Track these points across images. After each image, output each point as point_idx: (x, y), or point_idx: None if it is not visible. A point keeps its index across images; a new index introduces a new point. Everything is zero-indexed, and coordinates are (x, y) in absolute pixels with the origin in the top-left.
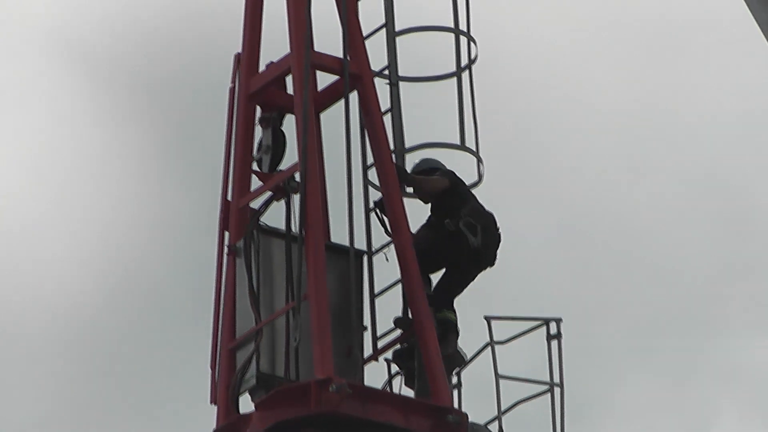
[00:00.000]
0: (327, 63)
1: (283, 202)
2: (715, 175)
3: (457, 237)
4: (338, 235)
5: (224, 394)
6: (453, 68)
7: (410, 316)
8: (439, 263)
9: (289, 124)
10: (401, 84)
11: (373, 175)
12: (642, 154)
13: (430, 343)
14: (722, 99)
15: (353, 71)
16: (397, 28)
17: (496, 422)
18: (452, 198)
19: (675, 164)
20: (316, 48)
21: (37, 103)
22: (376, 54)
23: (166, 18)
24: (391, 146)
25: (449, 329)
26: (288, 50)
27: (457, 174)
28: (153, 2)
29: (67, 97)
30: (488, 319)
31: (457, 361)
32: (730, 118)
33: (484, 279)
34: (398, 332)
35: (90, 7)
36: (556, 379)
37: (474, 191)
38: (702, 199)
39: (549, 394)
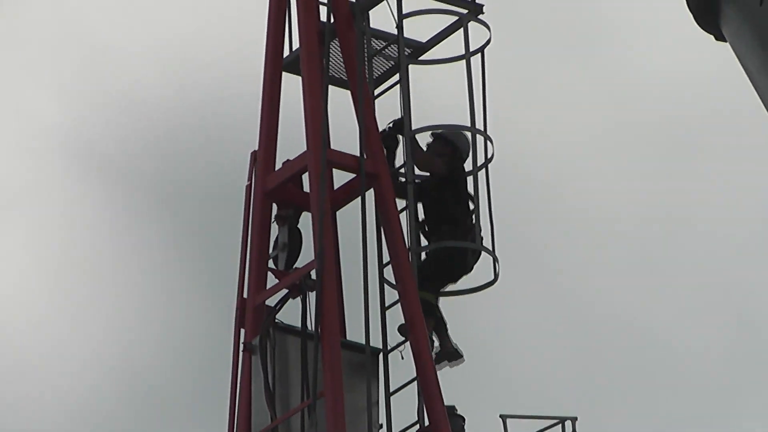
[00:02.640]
0: (343, 161)
1: (299, 300)
2: (727, 277)
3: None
4: (354, 332)
5: None
6: (469, 167)
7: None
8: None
9: (306, 222)
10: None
11: (389, 272)
12: (653, 256)
13: None
14: (735, 202)
15: (369, 170)
16: (414, 126)
17: None
18: (450, 185)
19: (687, 266)
20: (333, 146)
21: (53, 209)
22: None
23: (180, 118)
24: (407, 244)
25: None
26: (304, 148)
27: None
28: (166, 103)
29: (83, 203)
30: (504, 417)
31: (450, 356)
32: (743, 222)
33: (496, 378)
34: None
35: (103, 112)
36: None
37: (490, 289)
38: (713, 301)
39: None
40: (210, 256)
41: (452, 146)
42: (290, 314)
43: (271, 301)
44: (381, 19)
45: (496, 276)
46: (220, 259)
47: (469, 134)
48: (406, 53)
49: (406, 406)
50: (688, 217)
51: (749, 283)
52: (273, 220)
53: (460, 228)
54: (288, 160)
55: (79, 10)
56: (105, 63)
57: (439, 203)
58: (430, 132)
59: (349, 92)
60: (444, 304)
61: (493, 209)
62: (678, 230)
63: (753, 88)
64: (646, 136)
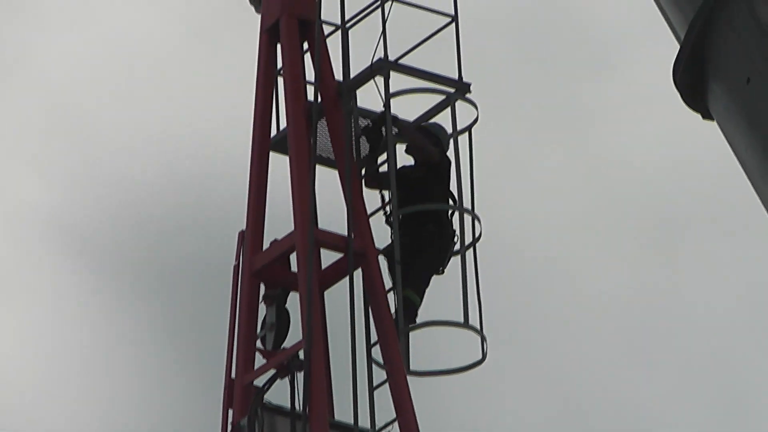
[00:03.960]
0: (331, 241)
1: (287, 380)
2: (714, 363)
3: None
4: (342, 412)
5: None
6: (457, 246)
7: None
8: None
9: (294, 302)
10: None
11: (377, 352)
12: (641, 336)
13: None
14: (723, 288)
15: (357, 249)
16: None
17: None
18: (434, 176)
19: (675, 346)
20: (320, 225)
21: (37, 291)
22: (380, 233)
23: (167, 197)
24: (395, 325)
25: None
26: (292, 228)
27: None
28: (152, 183)
29: (67, 285)
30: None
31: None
32: (731, 301)
33: None
34: None
35: (88, 192)
36: None
37: (477, 369)
38: (702, 387)
39: None
40: (198, 336)
41: (434, 137)
42: (279, 394)
43: (260, 381)
44: (369, 97)
45: (484, 355)
46: (208, 339)
47: (448, 126)
48: (394, 132)
49: None
50: (676, 298)
51: (739, 362)
52: (261, 300)
53: (443, 223)
54: (276, 239)
55: (64, 89)
56: (90, 143)
57: (422, 193)
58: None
59: (336, 171)
60: (431, 382)
61: (480, 287)
62: (665, 310)
63: (740, 167)
64: (633, 215)
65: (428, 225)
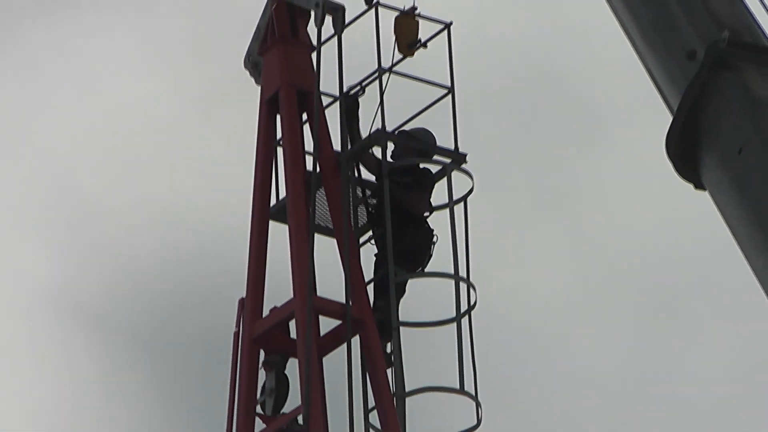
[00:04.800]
0: (329, 308)
1: None
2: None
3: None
4: None
5: None
6: (453, 313)
7: None
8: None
9: (293, 368)
10: (402, 328)
11: (374, 418)
12: (636, 410)
13: None
14: (718, 359)
15: (355, 316)
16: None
17: None
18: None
19: (670, 421)
20: (319, 293)
21: (42, 364)
22: None
23: (169, 268)
24: (392, 389)
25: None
26: (291, 295)
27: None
28: (154, 253)
29: (71, 356)
30: None
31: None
32: (726, 379)
33: None
34: None
35: (91, 265)
36: None
37: None
38: None
39: None
40: (199, 401)
41: (417, 141)
42: None
43: None
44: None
45: (479, 421)
46: (209, 404)
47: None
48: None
49: None
50: (670, 368)
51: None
52: (260, 365)
53: (423, 228)
54: (275, 307)
55: (69, 165)
56: (96, 217)
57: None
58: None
59: (334, 240)
60: None
61: (476, 354)
62: (660, 381)
63: (732, 237)
64: (627, 286)
65: (408, 227)
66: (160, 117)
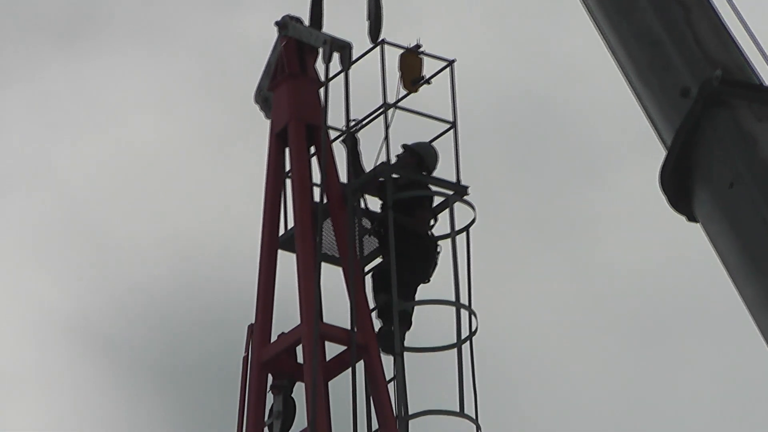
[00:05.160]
0: (335, 334)
1: None
2: None
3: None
4: None
5: None
6: (454, 339)
7: None
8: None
9: (300, 391)
10: (405, 353)
11: None
12: None
13: None
14: (710, 387)
15: (360, 342)
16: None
17: None
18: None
19: None
20: (325, 320)
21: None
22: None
23: (181, 295)
24: (395, 414)
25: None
26: (298, 321)
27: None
28: (166, 283)
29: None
30: None
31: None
32: (718, 407)
33: None
34: None
35: (105, 296)
36: None
37: None
38: None
39: None
40: (209, 424)
41: (418, 156)
42: None
43: None
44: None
45: None
46: (219, 427)
47: (436, 148)
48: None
49: None
50: (663, 395)
51: None
52: (269, 389)
53: (424, 242)
54: (283, 333)
55: (82, 196)
56: (108, 247)
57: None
58: (401, 144)
59: (340, 269)
60: None
61: (476, 378)
62: (654, 408)
63: (723, 267)
64: (623, 315)
65: (410, 240)
66: (173, 150)
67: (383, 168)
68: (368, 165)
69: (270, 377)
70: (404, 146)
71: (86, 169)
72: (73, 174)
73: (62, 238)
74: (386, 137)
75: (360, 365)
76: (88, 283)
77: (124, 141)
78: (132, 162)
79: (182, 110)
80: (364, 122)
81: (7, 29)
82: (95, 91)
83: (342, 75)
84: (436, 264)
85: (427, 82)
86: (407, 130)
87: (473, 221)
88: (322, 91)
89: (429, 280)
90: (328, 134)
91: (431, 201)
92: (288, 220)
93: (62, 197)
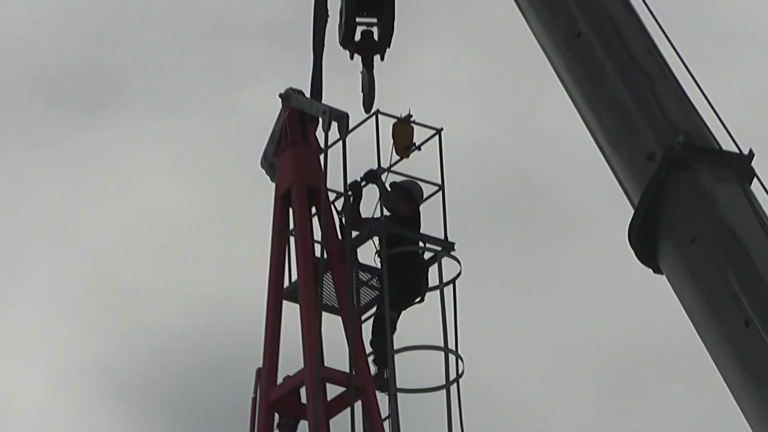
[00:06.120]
0: (335, 377)
1: None
2: None
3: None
4: None
5: None
6: (443, 381)
7: None
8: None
9: (303, 429)
10: (399, 394)
11: None
12: None
13: None
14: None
15: (358, 384)
16: (396, 346)
17: None
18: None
19: None
20: (326, 364)
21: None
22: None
23: (194, 343)
24: None
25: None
26: (302, 366)
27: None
28: (182, 331)
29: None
30: None
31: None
32: None
33: None
34: None
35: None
36: None
37: None
38: None
39: None
40: None
41: (407, 191)
42: None
43: None
44: (368, 253)
45: None
46: None
47: (421, 183)
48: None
49: None
50: None
51: None
52: (275, 427)
53: (417, 261)
54: (288, 375)
55: (105, 254)
56: (129, 300)
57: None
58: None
59: (339, 317)
60: None
61: (463, 417)
62: None
63: (686, 315)
64: (597, 361)
65: (403, 265)
66: (186, 211)
67: (378, 225)
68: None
69: (276, 416)
70: (392, 184)
71: (107, 229)
72: (96, 233)
73: (84, 291)
74: (381, 198)
75: (358, 405)
76: (107, 330)
77: (142, 203)
78: (149, 222)
79: (195, 175)
80: (363, 185)
81: (36, 102)
82: (115, 159)
83: (340, 142)
84: (428, 283)
85: (418, 148)
86: None
87: (459, 274)
88: (322, 156)
89: (423, 299)
90: (327, 196)
91: (419, 223)
92: (292, 273)
93: (85, 255)
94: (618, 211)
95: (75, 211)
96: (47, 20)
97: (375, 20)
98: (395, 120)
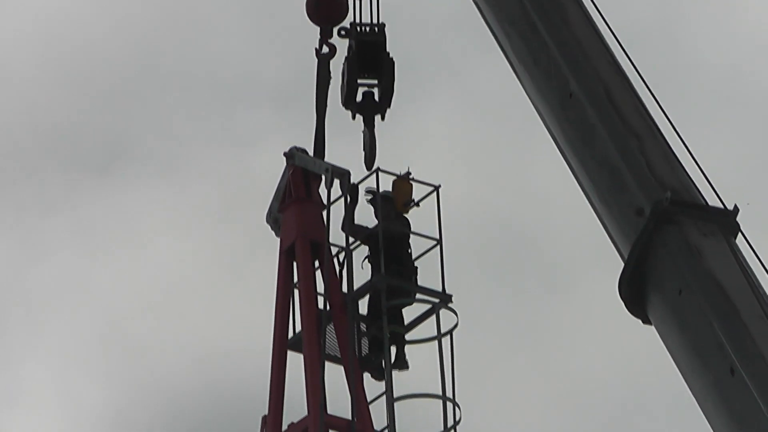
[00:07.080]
0: (338, 424)
1: None
2: None
3: None
4: None
5: None
6: (441, 428)
7: None
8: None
9: None
10: None
11: None
12: None
13: None
14: None
15: (359, 429)
16: (396, 394)
17: None
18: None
19: None
20: (329, 411)
21: None
22: (378, 416)
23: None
24: None
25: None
26: (305, 413)
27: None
28: (191, 381)
29: None
30: None
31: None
32: None
33: None
34: None
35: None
36: None
37: None
38: None
39: None
40: None
41: (387, 198)
42: None
43: None
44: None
45: None
46: None
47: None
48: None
49: None
50: None
51: None
52: None
53: (405, 266)
54: (292, 422)
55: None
56: (140, 354)
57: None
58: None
59: (342, 367)
60: None
61: None
62: None
63: (674, 364)
64: (588, 412)
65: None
66: (195, 267)
67: (378, 279)
68: (366, 275)
69: None
70: (368, 190)
71: (119, 287)
72: (108, 291)
73: (98, 345)
74: (380, 251)
75: None
76: (120, 383)
77: (153, 261)
78: (159, 278)
79: (202, 233)
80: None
81: (52, 165)
82: (127, 219)
83: (342, 198)
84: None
85: (417, 204)
86: None
87: (456, 325)
88: (324, 212)
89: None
90: (330, 250)
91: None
92: (296, 324)
93: (99, 310)
94: (607, 265)
95: (88, 269)
96: (61, 85)
97: (376, 82)
98: (395, 177)
